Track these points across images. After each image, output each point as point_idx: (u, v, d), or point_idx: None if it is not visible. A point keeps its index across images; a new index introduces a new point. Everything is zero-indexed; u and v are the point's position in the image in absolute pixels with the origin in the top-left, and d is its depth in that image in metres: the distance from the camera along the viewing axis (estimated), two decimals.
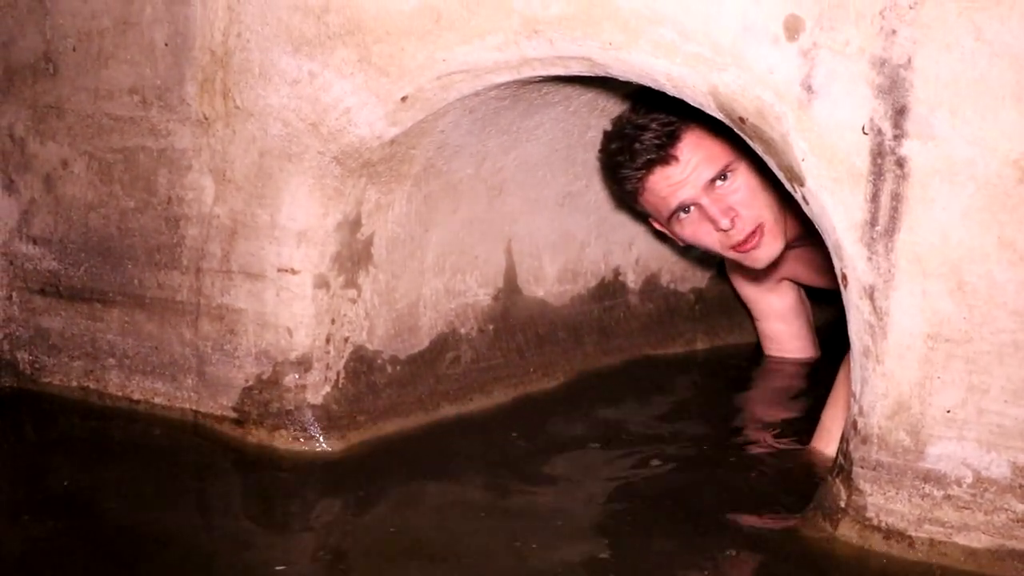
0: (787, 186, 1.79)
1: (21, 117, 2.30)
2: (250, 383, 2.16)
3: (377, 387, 2.21)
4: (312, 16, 2.00)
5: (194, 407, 2.22)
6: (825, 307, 2.80)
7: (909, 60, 1.61)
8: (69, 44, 2.23)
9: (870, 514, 1.72)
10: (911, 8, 1.60)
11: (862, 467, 1.72)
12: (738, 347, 2.86)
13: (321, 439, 2.12)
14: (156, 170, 2.20)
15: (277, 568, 1.70)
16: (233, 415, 2.18)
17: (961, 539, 1.66)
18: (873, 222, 1.67)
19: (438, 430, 2.22)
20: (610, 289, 2.66)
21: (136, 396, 2.27)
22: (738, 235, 2.27)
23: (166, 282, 2.22)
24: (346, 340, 2.17)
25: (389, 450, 2.12)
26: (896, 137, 1.64)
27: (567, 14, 1.82)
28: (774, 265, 2.40)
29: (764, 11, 1.69)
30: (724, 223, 2.25)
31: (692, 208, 2.29)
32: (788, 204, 2.20)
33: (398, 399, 2.23)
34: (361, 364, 2.20)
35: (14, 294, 2.37)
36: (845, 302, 1.75)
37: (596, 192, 2.54)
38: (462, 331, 2.35)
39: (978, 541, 1.66)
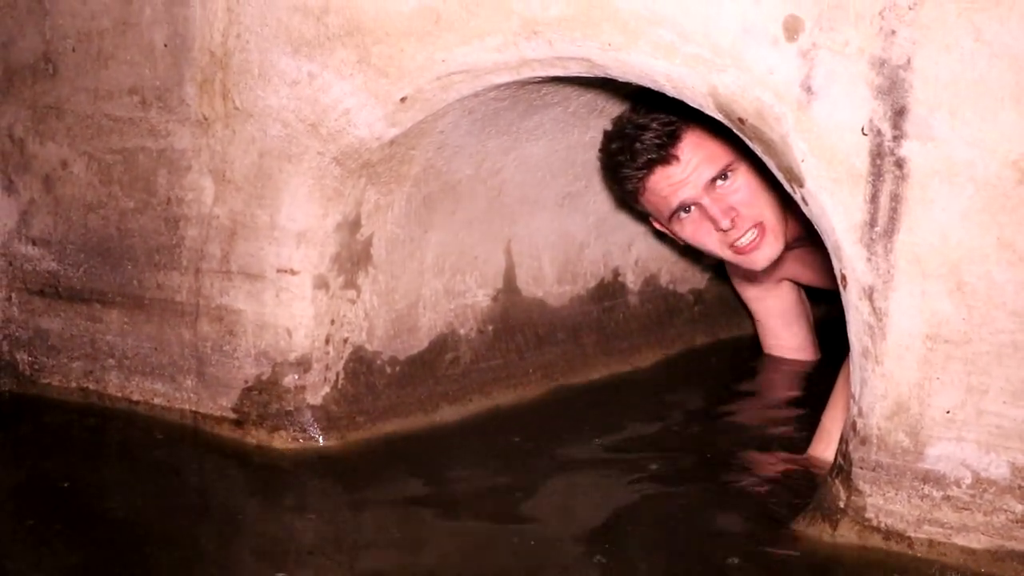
0: (786, 187, 1.79)
1: (21, 118, 2.30)
2: (249, 384, 2.16)
3: (376, 388, 2.21)
4: (311, 17, 2.00)
5: (193, 408, 2.22)
6: (824, 306, 2.80)
7: (908, 61, 1.61)
8: (69, 45, 2.23)
9: (869, 515, 1.72)
10: (910, 9, 1.60)
11: (861, 468, 1.72)
12: (738, 348, 2.86)
13: (320, 439, 2.12)
14: (155, 171, 2.20)
15: (277, 568, 1.70)
16: (232, 416, 2.18)
17: (960, 540, 1.66)
18: (872, 223, 1.67)
19: (437, 431, 2.22)
20: (609, 290, 2.66)
21: (135, 397, 2.27)
22: (738, 234, 2.27)
23: (165, 283, 2.22)
24: (345, 341, 2.17)
25: (388, 451, 2.12)
26: (895, 138, 1.64)
27: (566, 15, 1.82)
28: (773, 266, 2.40)
29: (763, 12, 1.69)
30: (724, 223, 2.24)
31: (693, 208, 2.28)
32: (788, 205, 2.20)
33: (397, 400, 2.23)
34: (360, 365, 2.20)
35: (13, 295, 2.37)
36: (844, 303, 1.75)
37: (595, 193, 2.54)
38: (461, 332, 2.35)
39: (977, 542, 1.66)
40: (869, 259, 1.68)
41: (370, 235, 2.17)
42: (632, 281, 2.71)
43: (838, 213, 1.69)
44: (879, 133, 1.64)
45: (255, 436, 2.15)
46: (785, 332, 2.75)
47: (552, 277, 2.52)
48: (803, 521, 1.80)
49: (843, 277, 1.73)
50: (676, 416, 2.38)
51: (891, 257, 1.66)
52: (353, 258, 2.16)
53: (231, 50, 2.08)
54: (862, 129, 1.65)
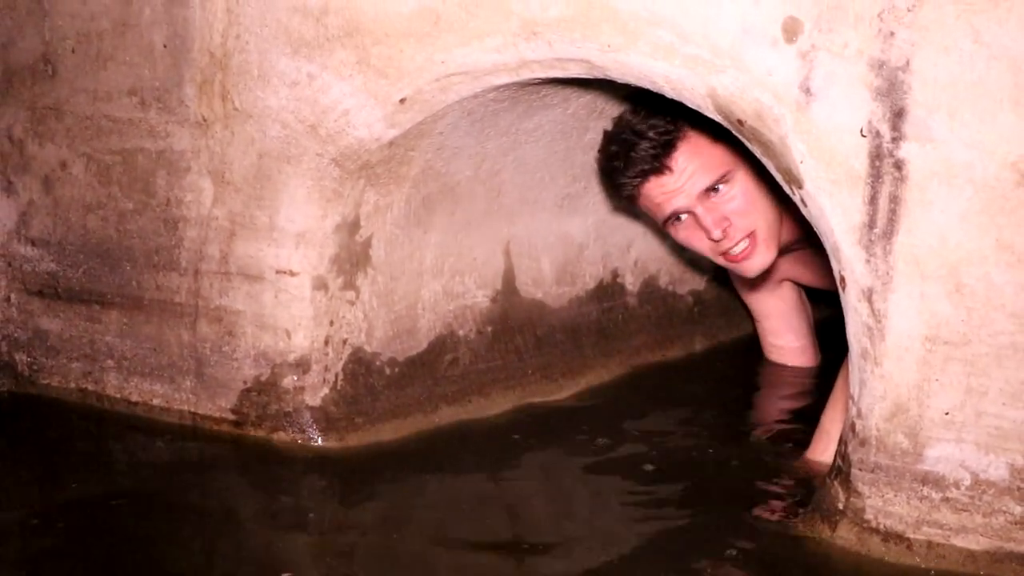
0: (785, 188, 1.80)
1: (20, 119, 2.30)
2: (248, 385, 2.16)
3: (375, 389, 2.21)
4: (311, 18, 2.01)
5: (192, 409, 2.22)
6: (824, 308, 2.80)
7: (907, 62, 1.62)
8: (68, 46, 2.23)
9: (868, 516, 1.72)
10: (909, 10, 1.60)
11: (860, 469, 1.72)
12: (737, 350, 2.86)
13: (319, 440, 2.12)
14: (155, 172, 2.20)
15: (277, 569, 1.70)
16: (231, 417, 2.18)
17: (959, 541, 1.66)
18: (871, 224, 1.67)
19: (436, 432, 2.22)
20: (609, 291, 2.66)
21: (134, 398, 2.27)
22: (730, 244, 2.28)
23: (164, 284, 2.22)
24: (344, 342, 2.17)
25: (387, 452, 2.12)
26: (894, 139, 1.64)
27: (566, 16, 1.82)
28: (769, 270, 2.41)
29: (763, 13, 1.69)
30: (716, 233, 2.26)
31: (686, 215, 2.29)
32: (787, 207, 2.20)
33: (396, 401, 2.22)
34: (359, 366, 2.20)
35: (12, 296, 2.37)
36: (843, 304, 1.75)
37: (595, 194, 2.54)
38: (460, 333, 2.35)
39: (976, 543, 1.66)
40: (868, 260, 1.68)
41: (369, 236, 2.17)
42: (631, 282, 2.71)
43: (837, 214, 1.69)
44: (878, 135, 1.64)
45: (254, 437, 2.15)
46: (785, 333, 2.75)
47: (551, 278, 2.53)
48: (802, 522, 1.80)
49: (842, 279, 1.73)
50: (675, 417, 2.38)
51: (890, 259, 1.66)
52: (352, 259, 2.15)
53: (230, 51, 2.08)
54: (861, 131, 1.65)
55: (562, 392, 2.47)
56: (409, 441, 2.17)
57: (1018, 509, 1.63)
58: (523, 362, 2.44)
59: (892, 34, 1.62)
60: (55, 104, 2.26)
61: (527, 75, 1.94)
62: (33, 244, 2.34)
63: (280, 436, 2.13)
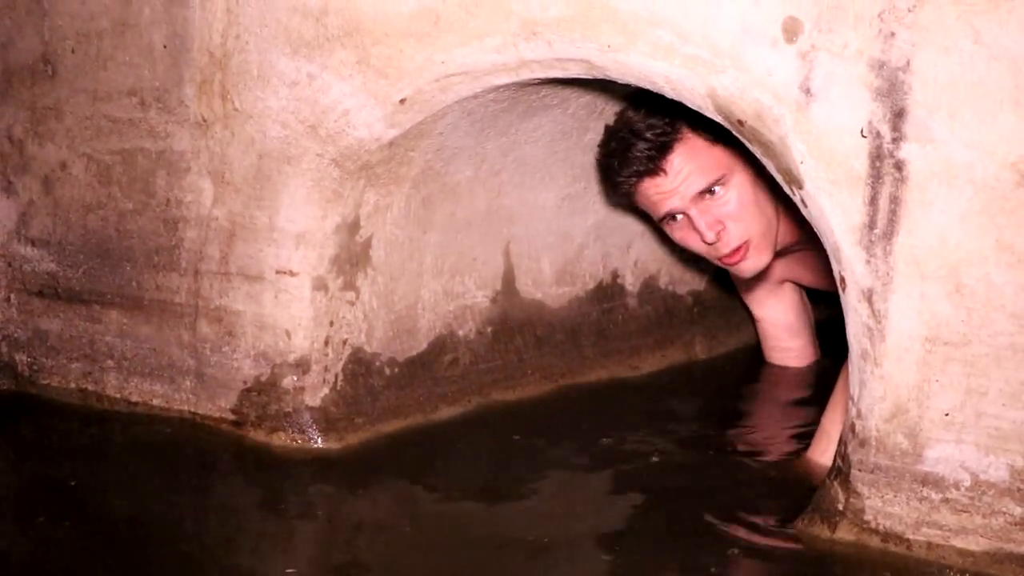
0: (785, 189, 1.79)
1: (20, 119, 2.30)
2: (248, 385, 2.16)
3: (375, 389, 2.21)
4: (311, 18, 2.00)
5: (192, 409, 2.22)
6: (824, 309, 2.80)
7: (907, 63, 1.61)
8: (68, 46, 2.23)
9: (868, 517, 1.72)
10: (909, 11, 1.60)
11: (860, 470, 1.72)
12: (737, 350, 2.86)
13: (319, 441, 2.12)
14: (154, 172, 2.20)
15: (278, 568, 1.70)
16: (231, 417, 2.18)
17: (959, 542, 1.66)
18: (871, 225, 1.67)
19: (436, 432, 2.22)
20: (608, 291, 2.66)
21: (134, 398, 2.27)
22: (723, 248, 2.28)
23: (164, 284, 2.22)
24: (344, 342, 2.17)
25: (387, 452, 2.12)
26: (894, 140, 1.64)
27: (566, 16, 1.82)
28: (767, 271, 2.42)
29: (763, 13, 1.69)
30: (709, 236, 2.26)
31: (681, 216, 2.30)
32: (788, 207, 2.20)
33: (396, 401, 2.22)
34: (359, 366, 2.20)
35: (12, 296, 2.37)
36: (843, 305, 1.75)
37: (594, 194, 2.54)
38: (460, 333, 2.35)
39: (976, 544, 1.66)
40: (868, 261, 1.68)
41: (369, 237, 2.17)
42: (631, 283, 2.71)
43: (837, 215, 1.69)
44: (878, 135, 1.64)
45: (254, 437, 2.15)
46: (786, 334, 2.75)
47: (551, 279, 2.52)
48: (802, 523, 1.80)
49: (842, 279, 1.73)
50: (675, 417, 2.38)
51: (890, 259, 1.66)
52: (352, 260, 2.15)
53: (230, 51, 2.08)
54: (861, 131, 1.65)
55: (562, 393, 2.47)
56: (409, 441, 2.17)
57: (1018, 510, 1.63)
58: (523, 362, 2.44)
59: (892, 34, 1.62)
60: (55, 104, 2.26)
61: (527, 75, 1.94)
62: (33, 244, 2.34)
63: (280, 436, 2.13)
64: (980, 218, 1.61)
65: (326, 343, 2.15)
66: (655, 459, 2.13)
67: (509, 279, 2.44)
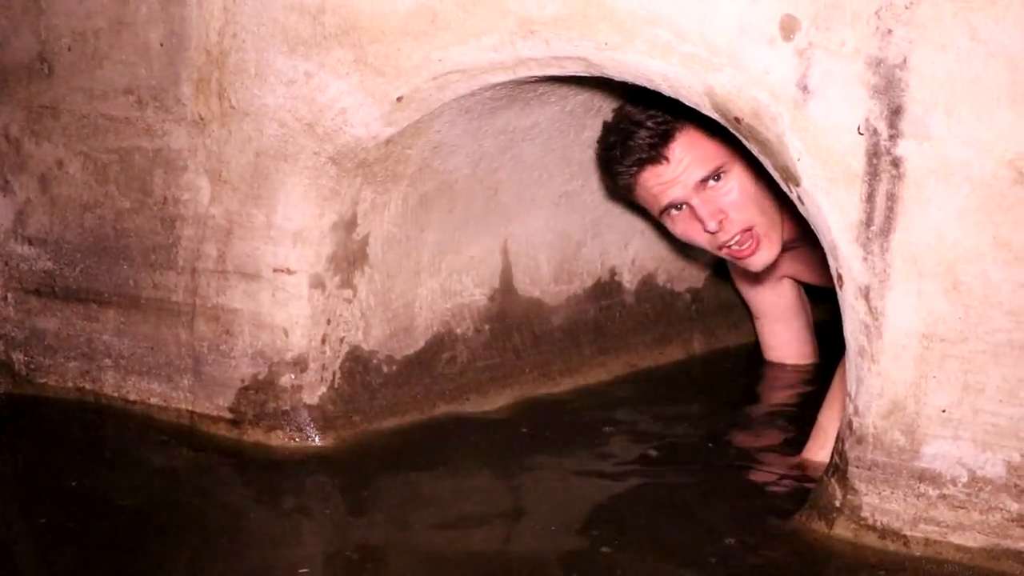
0: (783, 186, 1.80)
1: (16, 118, 2.30)
2: (246, 383, 2.16)
3: (373, 387, 2.21)
4: (308, 16, 2.00)
5: (190, 407, 2.22)
6: (823, 308, 2.81)
7: (905, 60, 1.62)
8: (64, 44, 2.23)
9: (865, 514, 1.72)
10: (906, 8, 1.60)
11: (857, 467, 1.72)
12: (735, 348, 2.86)
13: (317, 439, 2.12)
14: (151, 170, 2.20)
15: (278, 566, 1.70)
16: (229, 415, 2.18)
17: (956, 538, 1.67)
18: (868, 222, 1.67)
19: (434, 430, 2.22)
20: (606, 289, 2.66)
21: (132, 397, 2.27)
22: (726, 237, 2.28)
23: (162, 282, 2.22)
24: (342, 340, 2.17)
25: (385, 450, 2.12)
26: (892, 137, 1.64)
27: (563, 14, 1.82)
28: (772, 266, 2.41)
29: (760, 11, 1.69)
30: (712, 225, 2.25)
31: (683, 206, 2.29)
32: (786, 205, 2.20)
33: (394, 399, 2.22)
34: (357, 364, 2.20)
35: (10, 295, 2.36)
36: (841, 302, 1.75)
37: (592, 192, 2.54)
38: (458, 331, 2.35)
39: (973, 540, 1.66)
40: (865, 258, 1.68)
41: (366, 234, 2.17)
42: (629, 280, 2.71)
43: (834, 212, 1.69)
44: (875, 132, 1.64)
45: (252, 436, 2.15)
46: (784, 330, 2.75)
47: (549, 276, 2.52)
48: (799, 520, 1.80)
49: (839, 276, 1.73)
50: (673, 414, 2.39)
51: (887, 256, 1.66)
52: (349, 257, 2.15)
53: (227, 49, 2.08)
54: (858, 128, 1.65)
55: (560, 390, 2.47)
56: (406, 439, 2.17)
57: (1015, 506, 1.64)
58: (521, 360, 2.44)
59: (889, 32, 1.62)
60: (51, 103, 2.26)
61: (524, 73, 1.94)
62: (30, 243, 2.33)
63: (278, 435, 2.13)
64: (977, 215, 1.61)
65: (323, 341, 2.15)
66: (652, 457, 2.14)
67: (507, 277, 2.44)
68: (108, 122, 2.22)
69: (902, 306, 1.66)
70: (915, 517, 1.69)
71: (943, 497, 1.67)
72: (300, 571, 1.68)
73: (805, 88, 1.68)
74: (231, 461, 2.10)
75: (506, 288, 2.44)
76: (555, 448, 2.17)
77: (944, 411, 1.66)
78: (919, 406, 1.67)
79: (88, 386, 2.31)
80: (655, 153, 2.24)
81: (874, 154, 1.65)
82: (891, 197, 1.65)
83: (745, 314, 2.85)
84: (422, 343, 2.29)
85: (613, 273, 2.68)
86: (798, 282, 2.74)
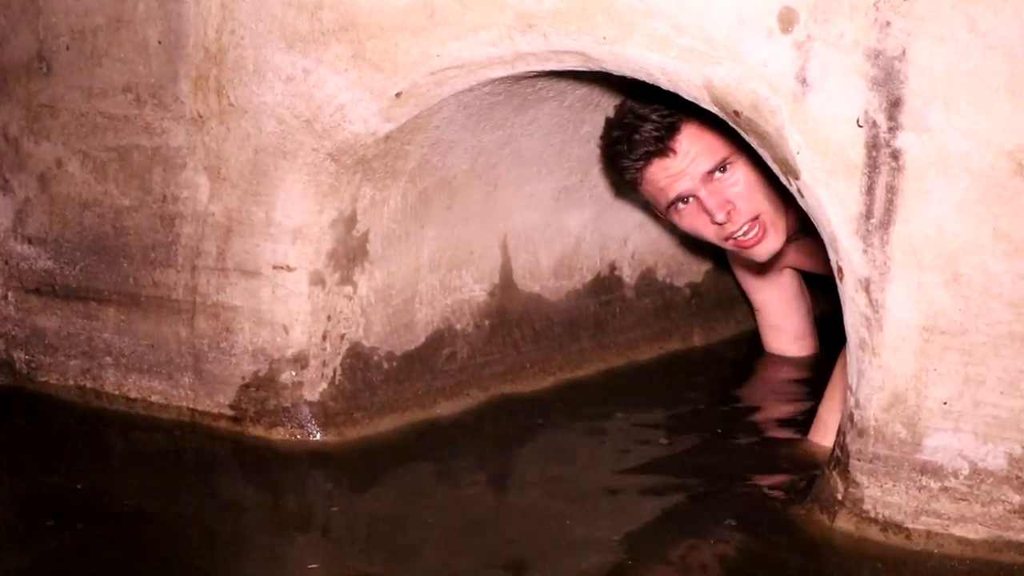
0: (782, 179, 1.80)
1: (15, 116, 2.30)
2: (247, 380, 2.16)
3: (373, 383, 2.21)
4: (306, 12, 2.00)
5: (191, 405, 2.22)
6: (823, 301, 2.81)
7: (903, 52, 1.61)
8: (62, 43, 2.23)
9: (867, 506, 1.72)
10: (905, 0, 1.60)
11: (859, 459, 1.72)
12: (735, 342, 2.86)
13: (318, 436, 2.12)
14: (151, 168, 2.20)
15: (278, 565, 1.70)
16: (230, 413, 2.18)
17: (958, 530, 1.67)
18: (868, 215, 1.67)
19: (435, 426, 2.22)
20: (606, 284, 2.66)
21: (133, 395, 2.27)
22: (733, 227, 2.28)
23: (162, 280, 2.22)
24: (342, 337, 2.17)
25: (386, 446, 2.12)
26: (891, 129, 1.64)
27: (561, 8, 1.82)
28: (775, 257, 2.41)
29: (758, 4, 1.69)
30: (720, 216, 2.25)
31: (690, 199, 2.29)
32: (787, 199, 2.20)
33: (394, 395, 2.22)
34: (357, 361, 2.20)
35: (10, 293, 2.36)
36: (841, 295, 1.75)
37: (591, 187, 2.54)
38: (458, 327, 2.35)
39: (975, 532, 1.66)
40: (865, 251, 1.68)
41: (366, 231, 2.17)
42: (628, 275, 2.71)
43: (834, 205, 1.69)
44: (874, 125, 1.64)
45: (253, 433, 2.15)
46: (785, 322, 2.76)
47: (548, 272, 2.52)
48: (801, 513, 1.80)
49: (839, 269, 1.73)
50: (674, 408, 2.39)
51: (887, 249, 1.66)
52: (349, 254, 2.15)
53: (225, 46, 2.08)
54: (857, 121, 1.65)
55: (560, 386, 2.47)
56: (407, 435, 2.17)
57: (1016, 498, 1.64)
58: (521, 356, 2.45)
59: (888, 24, 1.62)
60: (50, 101, 2.26)
61: (522, 68, 1.94)
62: (30, 242, 2.33)
63: (279, 432, 2.13)
64: (977, 207, 1.61)
65: (324, 338, 2.15)
66: (652, 451, 2.14)
67: (506, 272, 2.44)
68: (107, 120, 2.22)
69: (902, 298, 1.66)
70: (917, 510, 1.69)
71: (945, 489, 1.67)
72: (309, 567, 1.69)
73: (804, 81, 1.68)
74: (232, 458, 2.11)
75: (506, 284, 2.44)
76: (554, 445, 2.17)
77: (945, 403, 1.66)
78: (920, 399, 1.67)
79: (89, 384, 2.31)
80: (662, 146, 2.24)
81: (873, 146, 1.65)
82: (891, 189, 1.65)
83: (745, 307, 2.85)
84: (422, 339, 2.29)
85: (613, 268, 2.67)
86: (799, 273, 2.74)
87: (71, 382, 2.32)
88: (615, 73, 1.88)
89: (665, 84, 1.83)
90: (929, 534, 1.68)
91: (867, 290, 1.69)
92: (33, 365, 2.35)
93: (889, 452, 1.70)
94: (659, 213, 2.44)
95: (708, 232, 2.33)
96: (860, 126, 1.65)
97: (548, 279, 2.53)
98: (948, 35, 1.59)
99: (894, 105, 1.63)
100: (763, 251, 2.32)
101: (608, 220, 2.62)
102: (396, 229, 2.21)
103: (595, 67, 1.89)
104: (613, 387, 2.49)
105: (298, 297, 2.12)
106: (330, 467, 2.05)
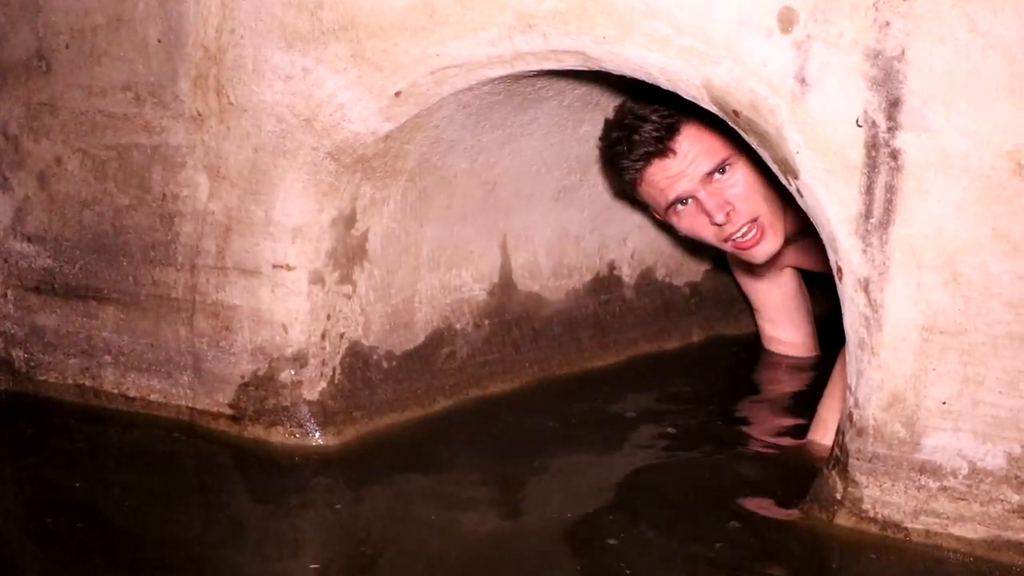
0: (782, 179, 1.80)
1: (15, 115, 2.30)
2: (246, 379, 2.16)
3: (373, 383, 2.21)
4: (305, 12, 2.00)
5: (190, 404, 2.22)
6: (823, 300, 2.81)
7: (903, 52, 1.62)
8: (62, 41, 2.23)
9: (866, 506, 1.72)
10: (904, 0, 1.60)
11: (858, 459, 1.72)
12: (735, 342, 2.86)
13: (317, 435, 2.12)
14: (150, 167, 2.20)
15: (276, 564, 1.70)
16: (229, 412, 2.18)
17: (957, 530, 1.67)
18: (868, 214, 1.67)
19: (434, 425, 2.22)
20: (605, 283, 2.66)
21: (132, 393, 2.27)
22: (732, 229, 2.28)
23: (161, 279, 2.22)
24: (341, 336, 2.17)
25: (385, 445, 2.12)
26: (890, 129, 1.64)
27: (561, 8, 1.82)
28: (774, 258, 2.41)
29: (758, 4, 1.69)
30: (719, 218, 2.25)
31: (689, 201, 2.29)
32: (787, 200, 2.20)
33: (394, 394, 2.23)
34: (357, 360, 2.20)
35: (9, 292, 2.36)
36: (840, 295, 1.75)
37: (591, 186, 2.54)
38: (457, 326, 2.35)
39: (974, 532, 1.66)
40: (864, 251, 1.68)
41: (365, 230, 2.17)
42: (628, 275, 2.71)
43: (833, 205, 1.69)
44: (874, 124, 1.64)
45: (252, 432, 2.15)
46: (785, 322, 2.76)
47: (548, 271, 2.53)
48: (800, 512, 1.80)
49: (839, 269, 1.73)
50: (673, 408, 2.39)
51: (886, 248, 1.66)
52: (348, 253, 2.15)
53: (225, 45, 2.08)
54: (857, 120, 1.65)
55: (559, 385, 2.47)
56: (407, 434, 2.17)
57: (1015, 497, 1.64)
58: (520, 355, 2.45)
59: (887, 24, 1.62)
60: (50, 100, 2.26)
61: (522, 67, 1.94)
62: (29, 240, 2.33)
63: (278, 431, 2.13)
64: (976, 207, 1.61)
65: (323, 337, 2.15)
66: (652, 450, 2.14)
67: (506, 272, 2.44)
68: (106, 119, 2.22)
69: (901, 298, 1.66)
70: (916, 509, 1.69)
71: (944, 489, 1.67)
72: (312, 566, 1.69)
73: (803, 80, 1.68)
74: (232, 458, 2.11)
75: (505, 283, 2.44)
76: (555, 442, 2.17)
77: (944, 403, 1.66)
78: (919, 398, 1.67)
79: (88, 383, 2.31)
80: (662, 146, 2.24)
81: (873, 146, 1.65)
82: (890, 189, 1.65)
83: (744, 306, 2.85)
84: (422, 338, 2.29)
85: (612, 267, 2.68)
86: (799, 273, 2.74)
87: (70, 381, 2.32)
88: (615, 73, 1.88)
89: (664, 84, 1.83)
90: (928, 533, 1.68)
91: (866, 290, 1.69)
92: (32, 364, 2.35)
93: (888, 452, 1.70)
94: (658, 215, 2.43)
95: (707, 233, 2.33)
96: (859, 126, 1.65)
97: (547, 278, 2.53)
98: (947, 35, 1.59)
99: (893, 105, 1.63)
100: (761, 252, 2.33)
101: (607, 219, 2.62)
102: (396, 228, 2.21)
103: (595, 67, 1.89)
104: (612, 387, 2.49)
105: (297, 296, 2.12)
106: (329, 466, 2.05)
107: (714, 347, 2.83)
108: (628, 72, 1.86)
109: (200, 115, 2.13)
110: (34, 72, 2.26)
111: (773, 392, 2.58)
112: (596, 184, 2.54)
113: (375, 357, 2.22)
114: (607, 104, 2.35)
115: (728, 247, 2.35)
